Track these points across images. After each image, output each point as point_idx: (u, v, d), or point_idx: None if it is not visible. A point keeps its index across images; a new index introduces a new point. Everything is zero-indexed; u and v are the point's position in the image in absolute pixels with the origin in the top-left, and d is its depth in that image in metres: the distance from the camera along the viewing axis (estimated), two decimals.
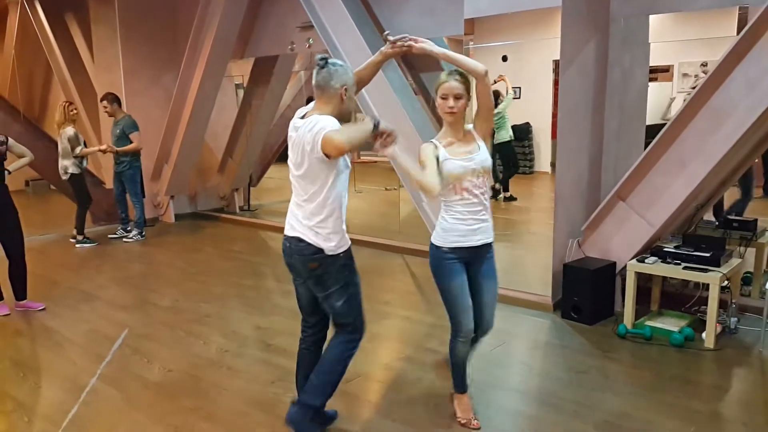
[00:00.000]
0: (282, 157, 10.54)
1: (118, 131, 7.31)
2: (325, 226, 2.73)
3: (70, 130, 7.07)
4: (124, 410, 3.41)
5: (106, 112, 7.48)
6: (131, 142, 7.30)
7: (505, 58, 9.74)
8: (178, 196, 8.99)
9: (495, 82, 8.73)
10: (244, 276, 6.06)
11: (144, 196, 8.19)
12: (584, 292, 4.48)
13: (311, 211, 2.73)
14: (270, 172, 10.55)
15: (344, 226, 2.82)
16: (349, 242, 2.85)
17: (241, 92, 9.52)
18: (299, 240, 2.76)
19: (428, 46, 2.77)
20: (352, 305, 2.85)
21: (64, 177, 7.19)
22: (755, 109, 3.88)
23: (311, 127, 2.64)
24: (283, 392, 3.51)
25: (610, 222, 4.64)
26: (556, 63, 4.64)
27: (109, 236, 7.77)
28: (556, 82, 5.89)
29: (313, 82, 2.73)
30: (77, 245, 7.37)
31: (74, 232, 7.46)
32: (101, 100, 7.46)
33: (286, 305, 5.11)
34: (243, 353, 4.17)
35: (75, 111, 7.37)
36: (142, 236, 7.71)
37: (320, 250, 2.73)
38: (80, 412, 3.39)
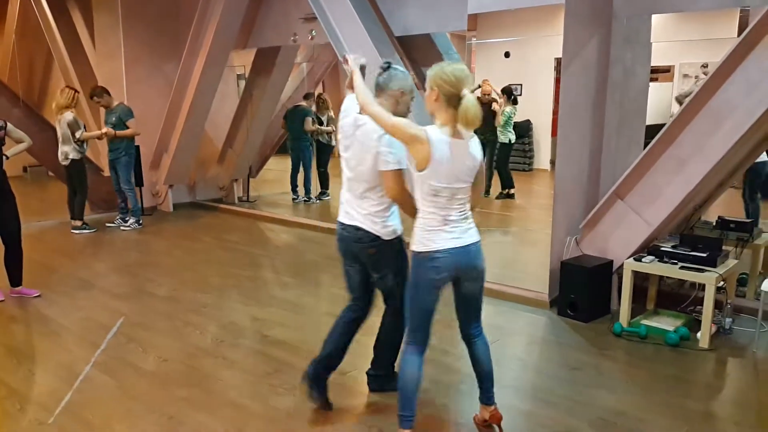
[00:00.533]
0: (282, 149, 10.53)
1: (114, 119, 7.30)
2: (384, 214, 2.98)
3: (69, 115, 7.03)
4: (118, 398, 3.41)
5: (102, 106, 7.51)
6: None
7: (507, 55, 9.74)
8: (176, 185, 8.97)
9: (479, 86, 8.60)
10: (241, 267, 6.06)
11: (143, 185, 8.19)
12: (581, 290, 4.49)
13: (372, 201, 2.96)
14: (269, 164, 10.51)
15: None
16: (401, 228, 3.07)
17: (242, 83, 9.49)
18: (357, 228, 3.00)
19: (349, 68, 2.88)
20: (402, 284, 3.11)
21: (65, 163, 7.16)
22: (754, 110, 3.89)
23: (380, 134, 2.78)
24: (279, 383, 3.52)
25: (609, 220, 4.64)
26: (558, 60, 4.64)
27: (107, 224, 7.76)
28: (557, 80, 5.89)
29: (374, 81, 2.96)
30: (74, 231, 7.36)
31: (75, 220, 7.44)
32: (91, 97, 7.44)
33: (283, 297, 5.12)
34: (239, 344, 4.17)
35: (77, 100, 7.36)
36: (139, 224, 7.70)
37: (378, 237, 2.98)
38: (74, 399, 3.39)
